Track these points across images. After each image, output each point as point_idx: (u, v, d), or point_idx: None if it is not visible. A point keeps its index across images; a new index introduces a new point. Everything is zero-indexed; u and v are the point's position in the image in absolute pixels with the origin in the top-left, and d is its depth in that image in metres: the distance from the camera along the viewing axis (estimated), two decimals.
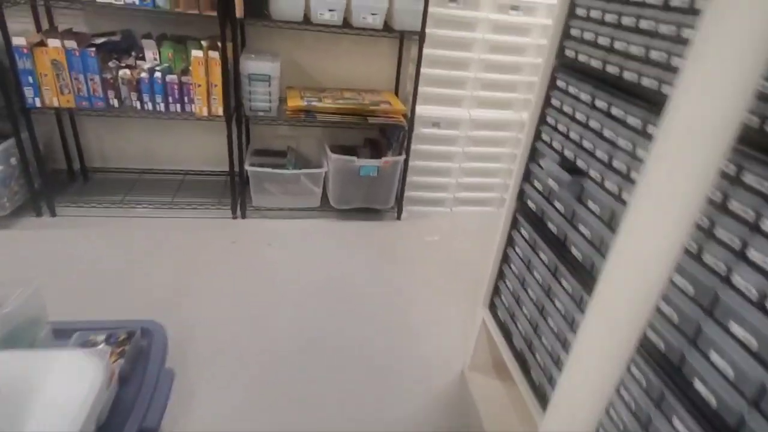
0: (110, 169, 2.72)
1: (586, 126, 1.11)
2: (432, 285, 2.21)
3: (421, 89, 2.48)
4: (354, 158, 2.49)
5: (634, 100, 0.95)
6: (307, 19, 2.24)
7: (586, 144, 1.10)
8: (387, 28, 2.34)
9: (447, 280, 2.25)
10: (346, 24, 2.29)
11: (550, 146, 1.25)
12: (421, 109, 2.56)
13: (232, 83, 2.29)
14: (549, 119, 1.27)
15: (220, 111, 2.26)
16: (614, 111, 1.01)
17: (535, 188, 1.34)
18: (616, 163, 1.00)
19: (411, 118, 2.50)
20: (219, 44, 2.16)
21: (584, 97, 1.12)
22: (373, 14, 2.25)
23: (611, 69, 1.02)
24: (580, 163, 1.13)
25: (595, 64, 1.07)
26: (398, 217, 2.75)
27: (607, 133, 1.03)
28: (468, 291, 2.17)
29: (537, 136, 1.32)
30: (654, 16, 0.89)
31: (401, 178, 2.65)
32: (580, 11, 1.13)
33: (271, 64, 2.29)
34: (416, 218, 2.80)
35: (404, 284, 2.20)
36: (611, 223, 1.01)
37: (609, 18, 1.03)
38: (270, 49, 2.51)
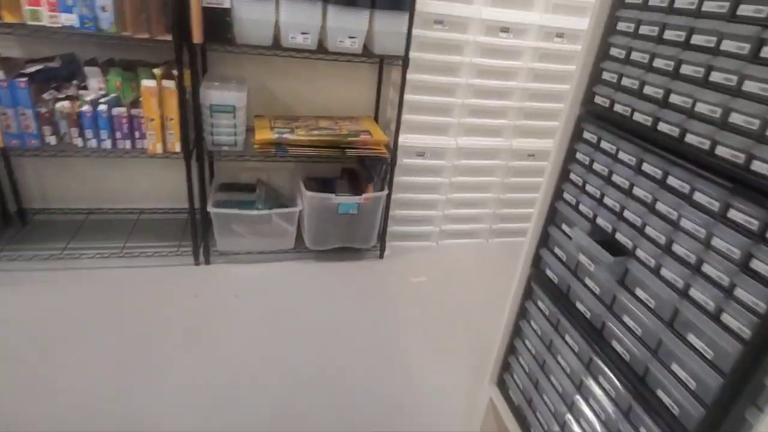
0: (53, 210, 2.38)
1: (629, 194, 0.90)
2: (422, 338, 1.97)
3: (404, 117, 2.26)
4: (331, 195, 2.24)
5: (703, 172, 0.75)
6: (277, 43, 1.99)
7: (630, 216, 0.89)
8: (366, 52, 2.10)
9: (439, 332, 2.02)
10: (321, 48, 2.04)
11: (576, 209, 1.04)
12: (404, 139, 2.34)
13: (192, 116, 2.01)
14: (573, 176, 1.06)
15: (177, 147, 1.97)
16: (672, 182, 0.80)
17: (555, 255, 1.12)
18: (678, 249, 0.79)
19: (394, 149, 2.27)
20: (175, 72, 1.88)
21: (625, 157, 0.91)
22: (351, 38, 2.01)
23: (665, 128, 0.81)
24: (620, 237, 0.91)
25: (641, 118, 0.86)
26: (381, 256, 2.51)
27: (662, 207, 0.82)
28: (464, 347, 1.94)
29: (558, 195, 1.10)
30: (738, 70, 0.69)
31: (383, 214, 2.41)
32: (616, 52, 0.93)
33: (236, 94, 2.02)
34: (400, 255, 2.56)
35: (390, 337, 1.95)
36: (674, 323, 0.80)
37: (660, 64, 0.83)
38: (235, 75, 2.24)
